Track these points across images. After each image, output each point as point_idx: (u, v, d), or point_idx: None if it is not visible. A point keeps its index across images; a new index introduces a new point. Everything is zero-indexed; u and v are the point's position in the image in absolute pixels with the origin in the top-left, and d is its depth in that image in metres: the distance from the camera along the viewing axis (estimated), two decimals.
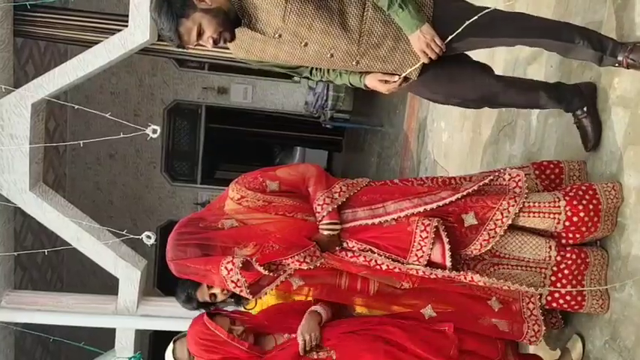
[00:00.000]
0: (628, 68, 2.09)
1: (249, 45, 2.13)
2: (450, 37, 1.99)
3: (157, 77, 8.57)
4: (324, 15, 2.00)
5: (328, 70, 2.24)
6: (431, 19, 2.03)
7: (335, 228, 2.13)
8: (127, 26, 4.28)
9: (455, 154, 4.19)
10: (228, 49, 2.18)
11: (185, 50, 4.36)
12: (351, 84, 2.23)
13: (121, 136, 3.45)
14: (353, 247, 2.17)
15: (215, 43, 2.00)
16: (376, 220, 2.15)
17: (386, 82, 2.13)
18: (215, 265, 2.05)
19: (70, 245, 4.34)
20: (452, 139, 4.28)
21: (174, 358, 2.52)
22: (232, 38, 2.04)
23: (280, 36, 2.04)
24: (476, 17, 1.98)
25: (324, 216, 2.13)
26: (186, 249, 2.12)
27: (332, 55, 2.07)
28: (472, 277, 2.14)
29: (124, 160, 8.67)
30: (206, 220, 2.20)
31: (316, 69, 2.25)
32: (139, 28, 4.18)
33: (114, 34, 4.36)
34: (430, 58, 2.03)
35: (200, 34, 1.98)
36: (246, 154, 10.13)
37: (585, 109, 2.32)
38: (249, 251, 2.12)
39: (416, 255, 2.13)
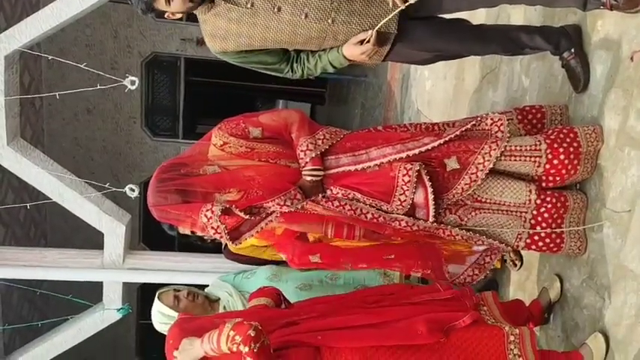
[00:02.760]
0: (611, 9, 2.08)
1: (225, 31, 2.10)
2: None
3: (133, 28, 8.32)
4: None
5: (308, 58, 2.19)
6: None
7: (318, 174, 2.15)
8: None
9: (438, 102, 4.18)
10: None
11: None
12: (332, 64, 2.17)
13: (99, 87, 3.37)
14: (337, 193, 2.19)
15: None
16: (359, 167, 2.17)
17: (362, 43, 2.07)
18: (195, 211, 2.07)
19: (52, 200, 4.30)
20: (435, 88, 4.26)
21: (162, 303, 2.57)
22: None
23: (252, 5, 2.02)
24: None
25: (307, 162, 2.14)
26: (167, 195, 2.12)
27: (306, 16, 2.03)
28: (451, 232, 2.22)
29: (103, 115, 8.51)
30: (188, 165, 2.20)
31: (296, 62, 2.21)
32: None
33: None
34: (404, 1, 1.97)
35: None
36: (228, 108, 9.99)
37: (573, 50, 2.31)
38: (233, 197, 2.14)
39: (399, 199, 2.17)
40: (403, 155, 2.16)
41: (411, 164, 2.15)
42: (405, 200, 2.17)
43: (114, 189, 3.53)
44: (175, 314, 2.52)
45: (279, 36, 2.11)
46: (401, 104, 5.16)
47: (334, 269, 2.78)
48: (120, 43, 8.43)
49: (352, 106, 7.54)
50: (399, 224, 2.22)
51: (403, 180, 2.14)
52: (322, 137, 2.20)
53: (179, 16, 2.07)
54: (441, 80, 4.10)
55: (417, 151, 2.17)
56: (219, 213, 2.04)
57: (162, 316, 2.63)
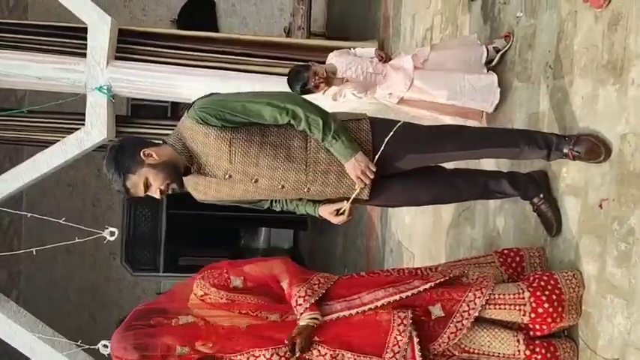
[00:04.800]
0: (574, 160, 2.18)
1: (205, 187, 2.18)
2: (376, 156, 2.09)
3: None
4: (269, 151, 2.06)
5: (286, 202, 2.29)
6: (371, 141, 2.13)
7: (317, 320, 2.07)
8: (84, 124, 4.26)
9: (418, 236, 4.21)
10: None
11: None
12: (307, 214, 2.28)
13: (77, 240, 3.35)
14: (325, 354, 2.09)
15: (162, 193, 2.07)
16: (353, 311, 2.11)
17: (337, 212, 2.18)
18: None
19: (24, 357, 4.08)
20: (414, 222, 4.32)
21: None
22: (180, 187, 2.12)
23: (230, 176, 2.10)
24: (394, 130, 2.10)
25: (306, 308, 2.07)
26: (126, 347, 2.03)
27: (283, 187, 2.12)
28: None
29: (82, 253, 8.38)
30: (166, 312, 2.13)
31: (276, 201, 2.31)
32: (96, 127, 4.17)
33: (71, 132, 4.33)
34: (365, 182, 2.11)
35: (147, 187, 2.06)
36: (211, 239, 9.99)
37: (542, 195, 2.38)
38: (207, 349, 2.05)
39: (392, 351, 2.08)
40: (397, 297, 2.11)
41: (404, 312, 2.09)
42: (398, 352, 2.08)
43: (87, 346, 3.37)
44: None
45: (258, 197, 2.19)
46: (382, 235, 5.19)
47: None
48: (102, 181, 8.54)
49: (334, 234, 7.57)
50: None
51: (398, 330, 2.07)
52: (317, 282, 2.17)
53: (157, 194, 2.12)
54: (419, 215, 4.17)
55: (409, 293, 2.13)
56: None
57: None
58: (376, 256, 5.29)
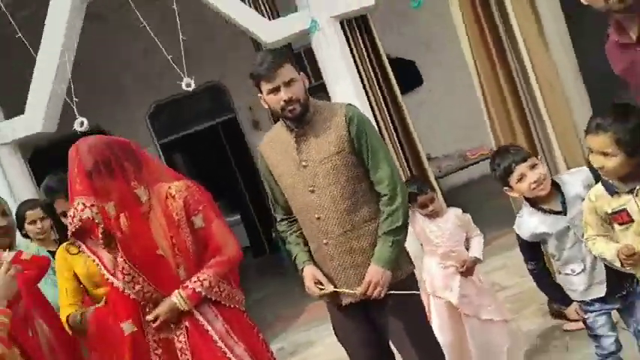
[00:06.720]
0: None
1: (279, 149, 2.18)
2: (392, 291, 2.10)
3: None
4: (346, 190, 2.10)
5: (291, 233, 2.26)
6: (400, 279, 2.15)
7: (183, 308, 2.07)
8: None
9: None
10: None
11: None
12: (294, 258, 2.23)
13: None
14: (182, 341, 2.09)
15: (287, 102, 2.07)
16: (217, 339, 2.07)
17: (317, 283, 2.14)
18: (76, 193, 2.01)
19: None
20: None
21: None
22: (299, 114, 2.11)
23: (305, 167, 2.13)
24: (417, 292, 2.19)
25: (187, 286, 2.05)
26: (89, 153, 2.02)
27: (318, 219, 2.14)
28: None
29: None
30: (140, 173, 2.09)
31: (290, 221, 2.27)
32: None
33: None
34: (365, 294, 2.09)
35: (289, 84, 2.08)
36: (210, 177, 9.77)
37: None
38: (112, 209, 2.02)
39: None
40: None
41: None
42: None
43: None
44: None
45: (294, 201, 2.21)
46: (301, 330, 4.91)
47: None
48: None
49: (278, 285, 7.13)
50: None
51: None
52: (222, 291, 2.11)
53: (286, 95, 2.12)
54: None
55: None
56: (84, 217, 1.98)
57: None
58: (278, 333, 5.02)
